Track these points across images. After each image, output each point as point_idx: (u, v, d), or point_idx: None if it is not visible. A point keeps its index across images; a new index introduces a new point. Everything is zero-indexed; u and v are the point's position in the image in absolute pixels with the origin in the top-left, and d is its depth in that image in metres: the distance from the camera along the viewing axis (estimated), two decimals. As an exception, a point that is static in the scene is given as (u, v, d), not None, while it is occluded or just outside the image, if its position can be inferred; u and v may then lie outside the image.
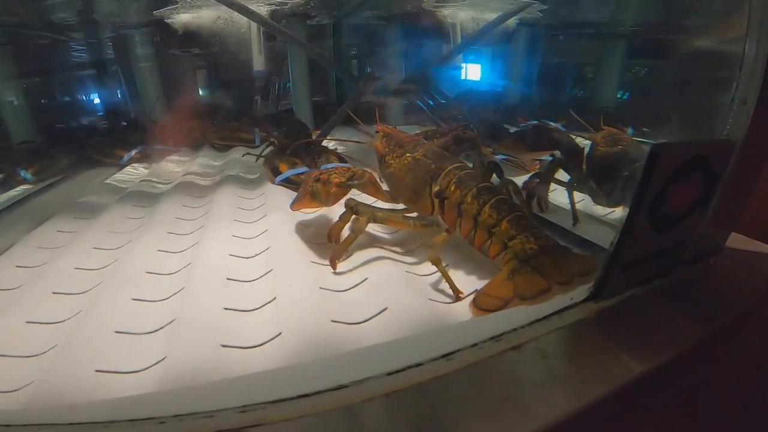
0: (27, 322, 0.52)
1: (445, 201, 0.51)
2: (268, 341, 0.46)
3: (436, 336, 0.41)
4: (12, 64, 1.44)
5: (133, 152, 1.40)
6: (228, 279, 0.58)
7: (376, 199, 0.67)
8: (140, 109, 1.73)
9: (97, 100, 1.82)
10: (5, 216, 0.93)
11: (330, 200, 0.60)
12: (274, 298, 0.53)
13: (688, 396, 0.42)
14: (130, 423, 0.25)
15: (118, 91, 1.80)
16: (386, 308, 0.49)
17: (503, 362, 0.33)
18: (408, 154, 0.57)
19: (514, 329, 0.36)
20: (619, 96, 1.46)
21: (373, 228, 0.67)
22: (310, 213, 0.73)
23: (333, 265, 0.59)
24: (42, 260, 0.70)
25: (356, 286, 0.56)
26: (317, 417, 0.26)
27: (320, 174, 0.60)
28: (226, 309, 0.51)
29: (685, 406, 0.42)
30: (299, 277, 0.56)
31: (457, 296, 0.51)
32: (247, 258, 0.65)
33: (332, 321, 0.48)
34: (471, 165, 0.57)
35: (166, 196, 0.98)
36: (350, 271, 0.59)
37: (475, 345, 0.34)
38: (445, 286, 0.53)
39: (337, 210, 0.68)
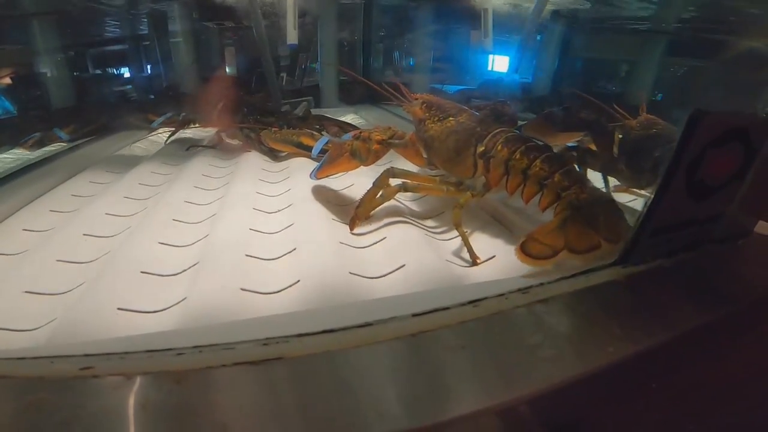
0: (57, 260, 0.54)
1: (491, 160, 0.51)
2: (286, 287, 0.47)
3: (460, 289, 0.41)
4: (56, 35, 1.49)
5: (163, 117, 1.44)
6: (250, 229, 0.59)
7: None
8: (173, 80, 1.77)
9: (131, 70, 1.87)
10: (40, 167, 0.97)
11: (370, 158, 0.61)
12: (294, 249, 0.54)
13: (707, 375, 0.41)
14: (147, 354, 0.25)
15: (153, 62, 1.84)
16: (404, 265, 0.50)
17: (531, 313, 0.33)
18: (451, 118, 0.58)
19: (541, 284, 0.36)
20: (653, 94, 1.41)
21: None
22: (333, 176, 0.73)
23: (352, 226, 0.59)
24: (74, 206, 0.73)
25: (375, 243, 0.56)
26: (341, 353, 0.27)
27: (360, 132, 0.62)
28: (247, 255, 0.53)
29: (699, 386, 0.41)
30: (319, 232, 0.57)
31: (474, 261, 0.52)
32: (269, 213, 0.66)
33: (350, 273, 0.49)
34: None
35: (193, 156, 1.00)
36: (370, 232, 0.59)
37: (501, 295, 0.34)
38: (463, 252, 0.54)
39: (353, 178, 0.68)
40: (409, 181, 0.58)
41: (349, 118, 1.60)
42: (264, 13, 1.69)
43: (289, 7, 1.49)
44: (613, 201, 0.46)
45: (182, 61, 1.76)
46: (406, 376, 0.26)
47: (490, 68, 2.07)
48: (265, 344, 0.27)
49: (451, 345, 0.28)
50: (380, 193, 0.59)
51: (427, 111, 0.61)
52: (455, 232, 0.59)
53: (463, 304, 0.32)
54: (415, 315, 0.31)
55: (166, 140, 1.18)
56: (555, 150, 0.51)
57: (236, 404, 0.23)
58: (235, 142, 1.12)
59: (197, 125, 1.31)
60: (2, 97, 1.46)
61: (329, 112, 1.51)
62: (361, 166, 0.65)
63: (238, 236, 0.57)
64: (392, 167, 0.59)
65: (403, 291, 0.46)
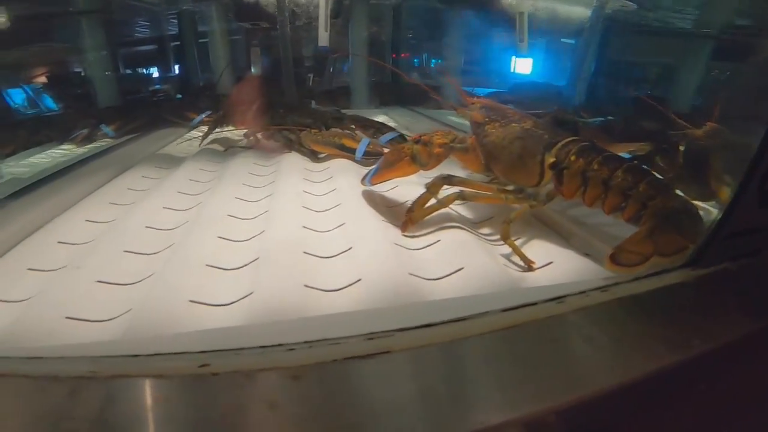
0: (124, 251, 0.57)
1: (565, 171, 0.51)
2: (348, 286, 0.48)
3: (536, 289, 0.42)
4: (101, 33, 1.54)
5: (202, 116, 1.48)
6: (303, 227, 0.60)
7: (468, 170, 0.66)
8: (209, 79, 1.82)
9: (170, 69, 1.93)
10: (93, 161, 1.01)
11: (431, 162, 0.61)
12: (350, 248, 0.55)
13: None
14: (260, 349, 0.27)
15: (190, 61, 1.89)
16: (462, 268, 0.50)
17: (611, 309, 0.34)
18: (515, 125, 0.58)
19: (617, 283, 0.37)
20: (694, 99, 1.37)
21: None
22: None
23: (404, 228, 0.60)
24: (131, 199, 0.76)
25: (428, 246, 0.57)
26: (439, 346, 0.28)
27: (420, 136, 0.62)
28: (305, 253, 0.54)
29: (740, 393, 0.41)
30: (372, 232, 0.58)
31: (529, 266, 0.52)
32: (318, 211, 0.68)
33: (410, 274, 0.49)
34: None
35: (236, 155, 1.03)
36: (422, 235, 0.60)
37: (582, 292, 0.35)
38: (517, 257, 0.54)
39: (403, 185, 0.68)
40: (467, 189, 0.58)
41: (380, 119, 1.61)
42: (296, 14, 1.71)
43: (321, 9, 1.50)
44: (694, 207, 0.46)
45: (219, 61, 1.80)
46: (505, 366, 0.27)
47: (521, 71, 2.05)
48: (369, 339, 0.27)
49: (543, 337, 0.29)
50: (436, 199, 0.59)
51: (487, 115, 0.61)
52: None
53: (547, 300, 0.33)
54: (504, 310, 0.32)
55: (201, 143, 1.18)
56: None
57: (360, 398, 0.23)
58: (271, 142, 1.13)
59: (232, 127, 1.29)
60: (52, 94, 1.53)
61: (360, 114, 1.52)
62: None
63: (293, 233, 0.59)
64: (449, 174, 0.59)
65: (463, 293, 0.47)
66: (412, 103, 1.89)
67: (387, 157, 0.66)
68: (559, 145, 0.53)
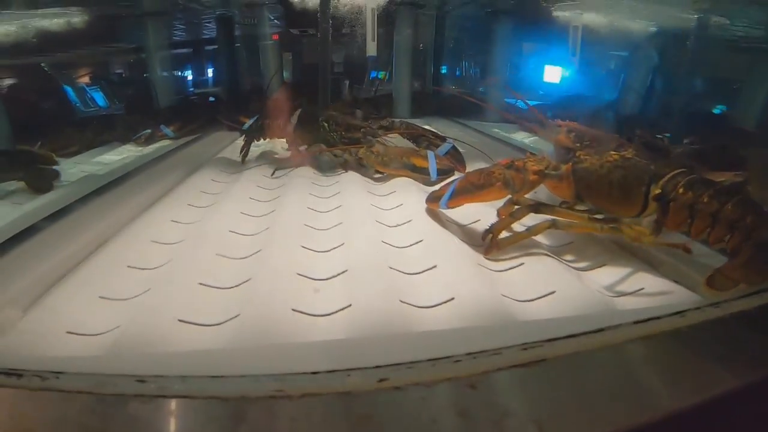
0: (216, 254, 0.59)
1: (671, 204, 0.51)
2: (441, 303, 0.49)
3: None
4: (164, 34, 1.61)
5: (251, 121, 1.52)
6: (383, 242, 0.62)
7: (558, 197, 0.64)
8: (258, 84, 1.87)
9: (223, 73, 1.99)
10: (161, 163, 1.06)
11: (524, 189, 0.59)
12: (435, 266, 0.55)
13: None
14: (430, 362, 0.28)
15: (242, 66, 1.94)
16: (554, 291, 0.50)
17: (723, 324, 0.38)
18: (613, 152, 0.57)
19: (698, 308, 0.39)
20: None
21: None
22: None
23: (487, 252, 0.59)
24: (207, 202, 0.79)
25: (513, 268, 0.57)
26: (589, 354, 0.30)
27: (512, 161, 0.61)
28: (390, 268, 0.55)
29: None
30: (454, 252, 0.59)
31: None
32: (390, 227, 0.69)
33: (502, 295, 0.50)
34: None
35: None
36: (505, 258, 0.59)
37: (699, 308, 0.39)
38: (605, 281, 0.54)
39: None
40: (559, 218, 0.57)
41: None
42: (343, 22, 1.74)
43: (368, 19, 1.52)
44: None
45: (269, 66, 1.84)
46: (651, 371, 0.31)
47: (568, 84, 2.02)
48: (524, 349, 0.29)
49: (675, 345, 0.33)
50: (524, 225, 0.59)
51: (576, 140, 0.61)
52: (589, 262, 0.59)
53: (671, 314, 0.37)
54: (636, 322, 0.35)
55: (241, 158, 1.07)
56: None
57: (534, 401, 0.25)
58: (325, 158, 1.04)
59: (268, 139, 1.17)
60: (117, 94, 1.61)
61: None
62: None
63: (374, 248, 0.60)
64: (537, 202, 0.58)
65: (554, 315, 0.47)
66: (454, 114, 1.89)
67: (469, 179, 0.64)
68: (667, 177, 0.52)
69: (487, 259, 0.59)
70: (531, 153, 0.65)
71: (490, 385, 0.26)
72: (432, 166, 0.86)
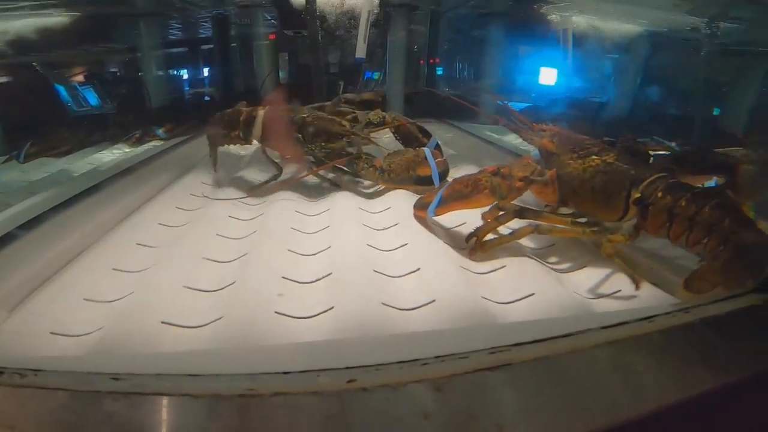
0: (202, 258, 0.59)
1: (650, 207, 0.52)
2: (421, 306, 0.49)
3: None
4: (157, 35, 1.61)
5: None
6: (368, 245, 0.62)
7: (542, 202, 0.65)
8: (251, 85, 1.86)
9: (213, 74, 1.98)
10: (152, 164, 1.06)
11: (510, 196, 0.60)
12: (418, 269, 0.56)
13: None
14: (398, 365, 0.29)
15: (233, 66, 1.94)
16: (533, 293, 0.51)
17: (693, 329, 0.39)
18: (595, 157, 0.57)
19: (667, 313, 0.40)
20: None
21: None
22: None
23: (472, 254, 0.60)
24: (196, 205, 0.80)
25: (495, 270, 0.58)
26: (556, 358, 0.31)
27: (498, 168, 0.60)
28: (375, 271, 0.55)
29: None
30: (437, 255, 0.59)
31: (637, 286, 0.52)
32: (377, 230, 0.69)
33: (482, 297, 0.50)
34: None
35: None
36: (488, 260, 0.60)
37: (668, 313, 0.40)
38: (587, 284, 0.55)
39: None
40: (542, 222, 0.58)
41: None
42: (338, 23, 1.73)
43: (362, 21, 1.52)
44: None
45: (262, 67, 1.84)
46: (618, 376, 0.32)
47: (560, 86, 2.04)
48: (491, 353, 0.30)
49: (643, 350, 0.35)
50: (508, 228, 0.60)
51: (559, 144, 0.62)
52: (570, 264, 0.60)
53: (639, 320, 0.38)
54: (603, 327, 0.36)
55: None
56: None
57: (497, 404, 0.26)
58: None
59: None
60: (109, 94, 1.61)
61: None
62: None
63: (359, 252, 0.60)
64: (521, 207, 0.59)
65: (533, 317, 0.48)
66: (447, 116, 1.89)
67: (456, 187, 0.63)
68: (646, 182, 0.53)
69: (471, 260, 0.60)
70: (517, 156, 0.66)
71: (455, 388, 0.27)
72: (434, 172, 0.81)
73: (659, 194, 0.52)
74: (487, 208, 0.65)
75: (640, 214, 0.53)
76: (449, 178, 0.82)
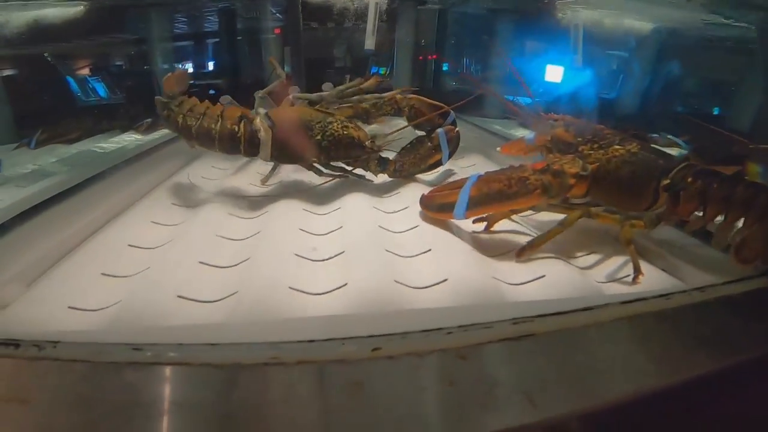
0: (216, 235, 0.60)
1: (681, 193, 0.53)
2: (434, 285, 0.50)
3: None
4: (168, 25, 1.61)
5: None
6: (379, 227, 0.63)
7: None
8: (257, 76, 1.87)
9: (222, 65, 1.99)
10: (163, 149, 1.07)
11: (562, 193, 0.55)
12: (430, 250, 0.57)
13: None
14: (423, 333, 0.29)
15: (243, 57, 1.95)
16: (544, 275, 0.51)
17: (706, 308, 0.39)
18: (618, 147, 0.57)
19: (683, 291, 0.41)
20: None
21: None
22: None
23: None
24: (209, 188, 0.80)
25: (506, 253, 0.58)
26: (577, 330, 0.31)
27: (547, 165, 0.55)
28: (387, 251, 0.56)
29: None
30: (446, 234, 0.60)
31: (636, 276, 0.51)
32: (388, 213, 0.70)
33: (494, 278, 0.51)
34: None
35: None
36: (500, 243, 0.61)
37: (685, 291, 0.41)
38: (595, 269, 0.55)
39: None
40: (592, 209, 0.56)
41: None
42: (344, 15, 1.73)
43: (370, 13, 1.52)
44: None
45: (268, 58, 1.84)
46: (637, 348, 0.32)
47: (567, 83, 2.03)
48: (514, 323, 0.31)
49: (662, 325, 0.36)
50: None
51: (578, 135, 0.60)
52: (580, 249, 0.60)
53: (657, 296, 0.39)
54: (623, 302, 0.37)
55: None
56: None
57: (524, 373, 0.27)
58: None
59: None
60: (119, 84, 1.62)
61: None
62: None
63: (371, 232, 0.61)
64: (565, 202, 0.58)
65: (544, 297, 0.48)
66: (455, 109, 1.89)
67: (494, 186, 0.55)
68: (676, 169, 0.53)
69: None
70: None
71: (480, 357, 0.28)
72: (445, 156, 0.79)
73: (689, 179, 0.52)
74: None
75: (671, 200, 0.53)
76: (459, 174, 0.80)
